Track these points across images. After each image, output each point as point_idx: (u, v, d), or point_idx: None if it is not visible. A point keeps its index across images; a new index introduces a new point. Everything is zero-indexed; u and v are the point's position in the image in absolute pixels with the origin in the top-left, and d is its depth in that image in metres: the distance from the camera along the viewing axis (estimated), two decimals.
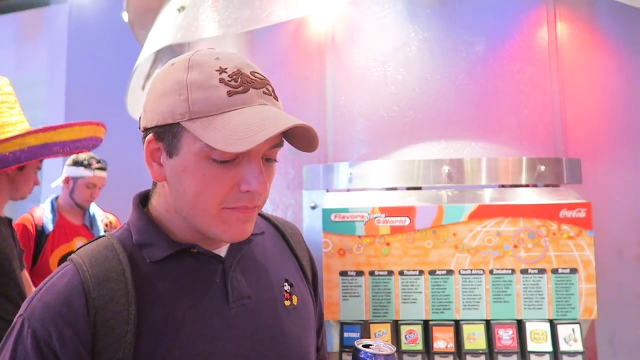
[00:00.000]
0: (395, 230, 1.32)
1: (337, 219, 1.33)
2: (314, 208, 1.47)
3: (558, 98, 1.56)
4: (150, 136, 0.77)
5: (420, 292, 1.31)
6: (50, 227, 2.74)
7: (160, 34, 1.92)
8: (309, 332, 0.91)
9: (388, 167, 1.43)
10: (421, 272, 1.31)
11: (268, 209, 1.57)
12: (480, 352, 1.27)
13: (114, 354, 0.71)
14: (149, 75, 2.22)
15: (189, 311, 0.77)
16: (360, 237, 1.33)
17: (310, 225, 1.46)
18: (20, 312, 0.73)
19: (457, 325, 1.30)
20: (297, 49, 1.64)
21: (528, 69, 1.55)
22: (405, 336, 1.28)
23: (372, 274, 1.32)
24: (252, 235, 0.87)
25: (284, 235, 0.97)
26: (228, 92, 0.72)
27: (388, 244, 1.32)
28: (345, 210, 1.33)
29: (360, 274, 1.32)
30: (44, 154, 1.96)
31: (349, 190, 1.46)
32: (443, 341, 1.28)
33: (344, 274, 1.33)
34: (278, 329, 0.83)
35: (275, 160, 0.79)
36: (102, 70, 4.00)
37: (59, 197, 2.90)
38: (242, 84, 0.73)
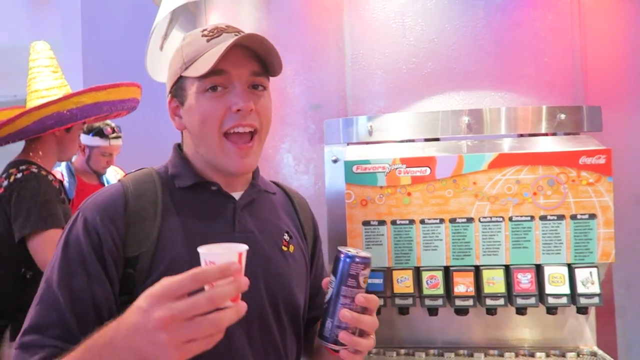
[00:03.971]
0: (416, 180, 1.35)
1: (359, 171, 1.37)
2: (335, 161, 1.50)
3: (578, 45, 1.54)
4: (169, 97, 1.02)
5: (441, 240, 1.35)
6: (72, 191, 2.83)
7: None
8: (300, 281, 1.07)
9: (408, 119, 1.44)
10: (441, 220, 1.35)
11: (290, 164, 1.61)
12: (499, 295, 1.31)
13: (139, 248, 0.91)
14: (165, 35, 2.22)
15: (201, 230, 0.95)
16: (381, 187, 1.36)
17: (332, 178, 1.50)
18: (78, 208, 0.95)
19: (477, 271, 1.35)
20: (314, 3, 1.64)
21: (548, 15, 1.53)
22: (427, 281, 1.33)
23: (393, 223, 1.36)
24: (265, 191, 1.09)
25: (292, 201, 1.17)
26: (206, 39, 0.95)
27: (409, 194, 1.36)
28: (367, 162, 1.36)
29: (382, 223, 1.36)
30: (94, 113, 2.04)
31: (368, 143, 1.48)
32: (463, 285, 1.33)
33: (366, 223, 1.37)
34: (273, 264, 1.00)
35: (263, 87, 0.98)
36: (116, 32, 4.00)
37: (74, 161, 2.96)
38: (217, 32, 0.96)
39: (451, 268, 1.34)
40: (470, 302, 1.32)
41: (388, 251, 1.36)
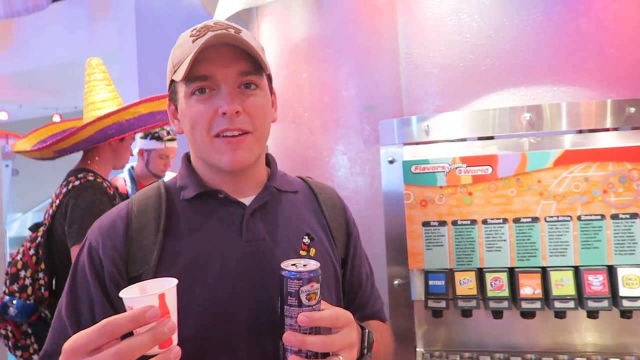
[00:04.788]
0: (477, 179, 1.32)
1: (418, 171, 1.35)
2: (391, 162, 1.49)
3: None
4: (167, 101, 1.00)
5: (505, 240, 1.31)
6: None
7: (230, 1, 1.96)
8: (323, 286, 0.93)
9: (466, 117, 1.41)
10: (505, 220, 1.31)
11: (346, 165, 1.60)
12: (569, 297, 1.26)
13: (142, 266, 0.89)
14: None
15: (207, 242, 0.91)
16: (441, 187, 1.33)
17: (388, 179, 1.48)
18: (87, 232, 0.95)
19: (544, 272, 1.30)
20: (366, 5, 1.63)
21: (613, 5, 1.46)
22: (491, 283, 1.30)
23: (454, 223, 1.33)
24: (282, 191, 1.01)
25: (317, 197, 1.07)
26: (192, 39, 0.89)
27: (470, 194, 1.32)
28: (426, 162, 1.34)
29: (442, 223, 1.34)
30: (149, 122, 2.14)
31: (425, 143, 1.46)
32: (529, 287, 1.28)
33: (426, 224, 1.35)
34: None
35: (255, 86, 0.91)
36: (170, 44, 4.13)
37: (135, 167, 3.09)
38: (204, 31, 0.89)
39: (516, 269, 1.30)
40: (538, 304, 1.27)
41: (449, 252, 1.33)
